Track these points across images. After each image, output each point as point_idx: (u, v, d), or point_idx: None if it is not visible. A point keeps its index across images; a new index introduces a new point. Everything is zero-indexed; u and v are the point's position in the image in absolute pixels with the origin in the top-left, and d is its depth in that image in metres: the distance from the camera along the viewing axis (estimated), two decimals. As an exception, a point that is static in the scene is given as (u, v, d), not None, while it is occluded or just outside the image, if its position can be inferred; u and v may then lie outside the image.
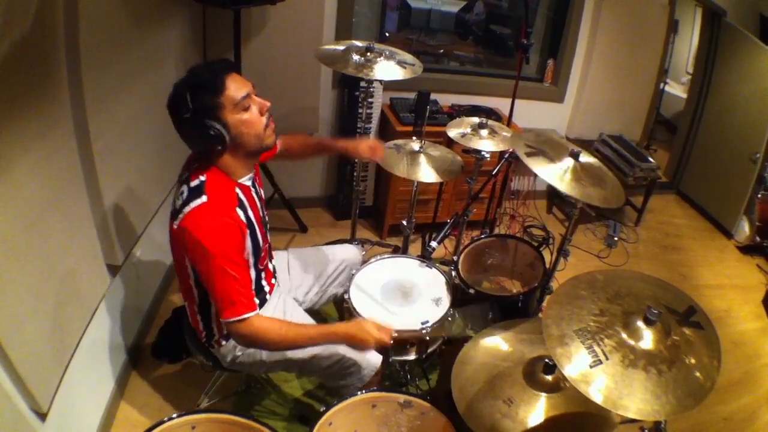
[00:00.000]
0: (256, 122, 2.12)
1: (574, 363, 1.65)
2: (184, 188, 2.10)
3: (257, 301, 2.20)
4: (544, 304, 3.04)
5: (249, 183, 2.27)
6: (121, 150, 2.75)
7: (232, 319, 2.07)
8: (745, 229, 5.29)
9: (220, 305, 2.07)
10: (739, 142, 5.33)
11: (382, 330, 2.35)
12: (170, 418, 1.95)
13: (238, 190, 2.17)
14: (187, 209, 2.03)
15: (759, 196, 5.08)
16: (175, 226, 2.07)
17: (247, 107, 2.09)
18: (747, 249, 5.35)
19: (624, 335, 1.70)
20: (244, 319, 2.08)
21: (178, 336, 2.71)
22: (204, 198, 2.03)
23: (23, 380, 1.98)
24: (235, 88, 2.05)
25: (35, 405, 2.09)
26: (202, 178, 2.09)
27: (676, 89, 7.40)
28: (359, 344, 2.34)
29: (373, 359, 2.48)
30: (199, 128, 2.00)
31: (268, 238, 2.51)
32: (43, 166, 2.07)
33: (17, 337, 1.94)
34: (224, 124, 2.03)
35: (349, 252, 3.01)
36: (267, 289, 2.52)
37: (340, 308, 2.90)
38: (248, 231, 2.18)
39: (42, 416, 2.16)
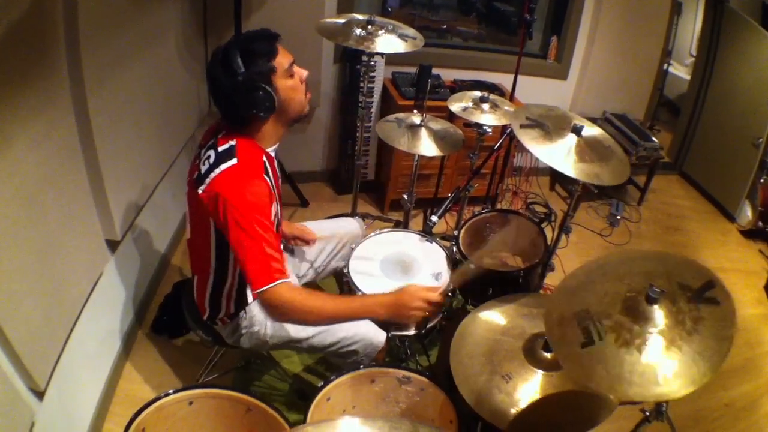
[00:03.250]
0: (299, 89, 2.19)
1: (567, 345, 1.64)
2: (211, 153, 2.09)
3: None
4: (546, 281, 3.03)
5: (274, 154, 2.28)
6: (120, 126, 2.73)
7: (266, 287, 2.00)
8: (747, 214, 5.27)
9: (254, 272, 2.01)
10: (741, 126, 5.29)
11: (431, 290, 2.31)
12: (167, 394, 1.94)
13: (265, 159, 2.16)
14: (216, 172, 2.02)
15: (761, 181, 5.05)
16: (201, 192, 2.05)
17: (292, 74, 2.15)
18: (749, 233, 5.31)
19: (623, 315, 1.67)
20: (278, 285, 2.02)
21: (178, 311, 2.71)
22: (234, 160, 2.03)
23: (20, 359, 1.97)
24: (283, 54, 2.11)
25: (32, 384, 2.09)
26: (232, 142, 2.09)
27: (680, 71, 7.34)
28: (405, 314, 2.29)
29: (376, 337, 2.47)
30: (251, 91, 2.02)
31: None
32: (41, 142, 2.05)
33: (14, 315, 1.93)
34: (275, 88, 2.07)
35: (351, 226, 3.01)
36: None
37: (341, 282, 2.88)
38: (274, 200, 2.18)
39: (39, 395, 2.16)
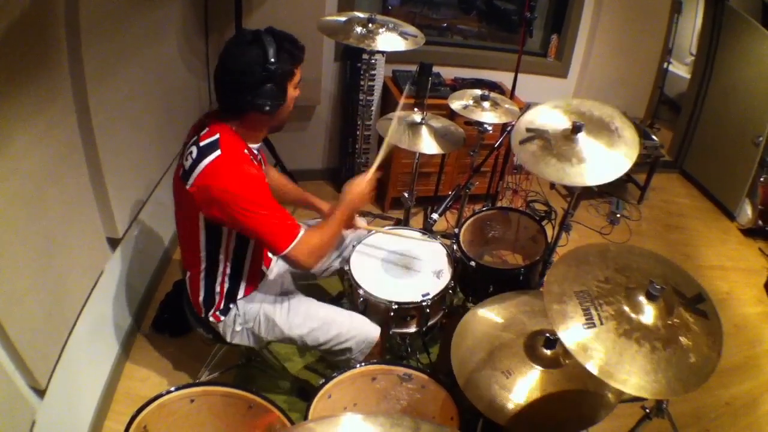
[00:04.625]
0: (293, 103, 2.27)
1: (567, 322, 1.65)
2: (193, 149, 2.10)
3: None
4: (547, 274, 3.04)
5: (256, 152, 2.29)
6: (121, 124, 2.73)
7: (290, 246, 2.12)
8: (747, 212, 5.27)
9: (275, 240, 2.11)
10: (742, 124, 5.30)
11: (364, 177, 2.44)
12: (169, 392, 1.95)
13: (246, 152, 2.18)
14: (201, 166, 2.04)
15: (761, 179, 5.06)
16: (190, 187, 2.06)
17: (296, 87, 2.23)
18: (749, 232, 5.31)
19: (624, 305, 1.69)
20: (299, 240, 2.14)
21: (179, 309, 2.71)
22: (218, 152, 2.04)
23: (21, 357, 1.97)
24: (300, 68, 2.20)
25: (33, 382, 2.09)
26: (216, 136, 2.10)
27: (680, 69, 7.34)
28: (364, 201, 2.47)
29: (370, 333, 2.49)
30: (267, 83, 2.07)
31: None
32: (42, 140, 2.05)
33: (15, 313, 1.93)
34: (285, 92, 2.16)
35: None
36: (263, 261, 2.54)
37: (344, 282, 2.88)
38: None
39: (40, 393, 2.16)
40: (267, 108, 2.09)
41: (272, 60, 2.03)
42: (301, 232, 2.14)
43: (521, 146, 2.50)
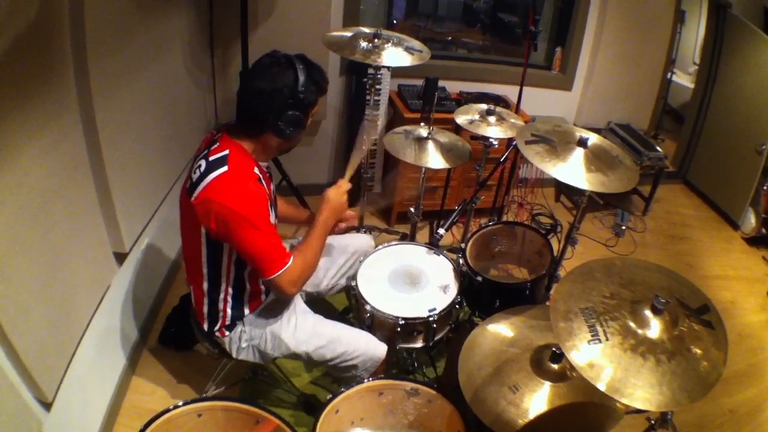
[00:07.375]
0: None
1: (573, 339, 1.65)
2: (202, 162, 2.12)
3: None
4: (553, 291, 3.03)
5: (265, 168, 2.31)
6: (127, 137, 2.74)
7: (277, 273, 2.14)
8: (751, 221, 5.27)
9: (263, 264, 2.13)
10: (745, 133, 5.30)
11: (339, 188, 2.45)
12: (176, 406, 1.95)
13: (256, 170, 2.19)
14: (207, 180, 2.05)
15: (765, 188, 5.05)
16: (193, 200, 2.08)
17: (312, 116, 2.27)
18: (753, 240, 5.32)
19: (629, 320, 1.70)
20: (287, 269, 2.15)
21: (185, 323, 2.71)
22: (225, 168, 2.06)
23: (28, 370, 1.98)
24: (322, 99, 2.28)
25: (40, 395, 2.09)
26: (225, 152, 2.12)
27: (683, 79, 7.34)
28: (342, 211, 2.48)
29: (376, 352, 2.50)
30: (292, 108, 2.13)
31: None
32: (49, 153, 2.06)
33: (22, 326, 1.93)
34: (307, 120, 2.22)
35: (360, 241, 3.00)
36: None
37: (350, 296, 2.88)
38: (270, 201, 2.22)
39: (47, 406, 2.16)
40: (286, 133, 2.14)
41: (301, 88, 2.08)
42: (290, 262, 2.16)
43: (527, 145, 2.56)
